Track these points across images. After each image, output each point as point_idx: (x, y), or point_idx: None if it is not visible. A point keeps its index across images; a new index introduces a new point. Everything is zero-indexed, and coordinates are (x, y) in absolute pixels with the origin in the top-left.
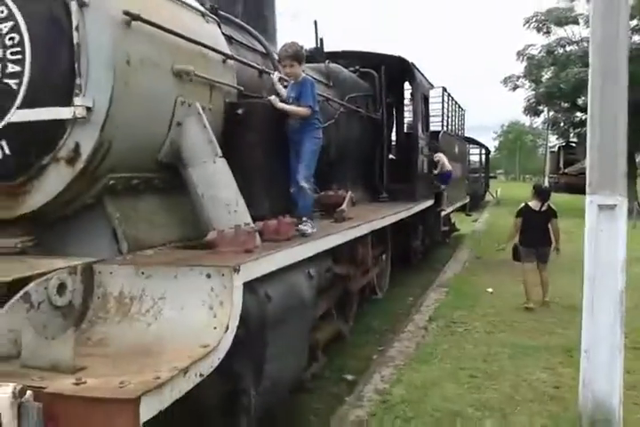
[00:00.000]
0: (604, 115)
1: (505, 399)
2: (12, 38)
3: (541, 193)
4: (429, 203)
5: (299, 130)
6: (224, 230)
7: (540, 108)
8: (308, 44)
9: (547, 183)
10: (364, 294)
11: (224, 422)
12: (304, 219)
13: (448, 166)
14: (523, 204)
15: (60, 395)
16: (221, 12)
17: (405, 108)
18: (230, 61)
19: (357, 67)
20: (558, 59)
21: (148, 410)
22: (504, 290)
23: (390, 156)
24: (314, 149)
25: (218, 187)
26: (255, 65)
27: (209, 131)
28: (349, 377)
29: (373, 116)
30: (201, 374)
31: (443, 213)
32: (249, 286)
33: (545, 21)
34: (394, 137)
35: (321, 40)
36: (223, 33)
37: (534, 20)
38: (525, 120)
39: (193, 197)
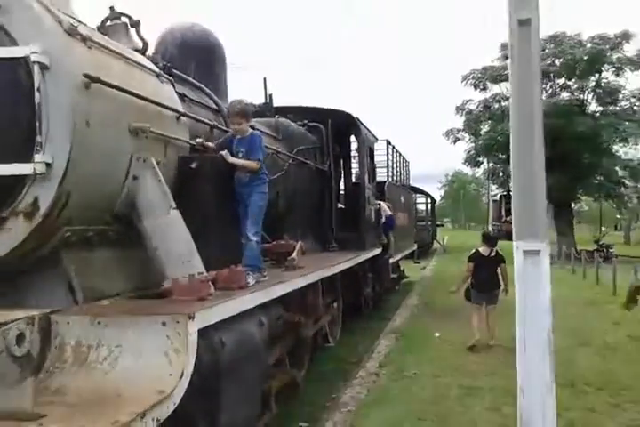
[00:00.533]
0: (523, 171)
1: None
2: None
3: (490, 240)
4: (377, 251)
5: (247, 184)
6: (178, 279)
7: (480, 159)
8: (258, 96)
9: (490, 230)
10: (316, 341)
11: None
12: (246, 270)
13: (388, 211)
14: (474, 250)
15: None
16: (175, 71)
17: (352, 160)
18: (184, 118)
19: (305, 121)
20: (494, 113)
21: None
22: (451, 334)
23: (339, 205)
24: (261, 205)
25: (172, 238)
26: (207, 121)
27: (163, 184)
28: (304, 425)
29: (321, 168)
30: (157, 419)
31: (391, 261)
32: (203, 333)
33: (481, 79)
34: (342, 187)
35: (270, 95)
36: (177, 91)
37: (471, 77)
38: (468, 170)
39: (147, 248)
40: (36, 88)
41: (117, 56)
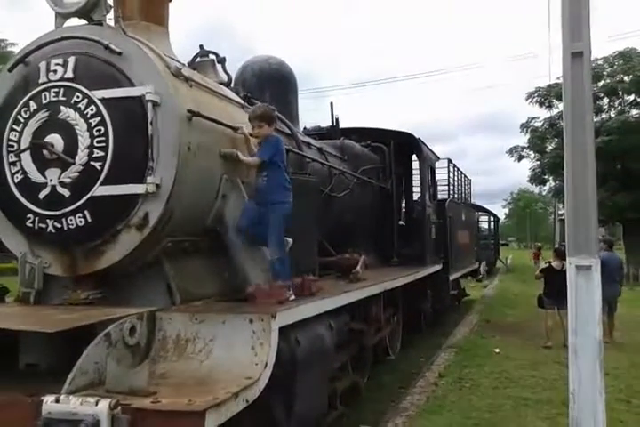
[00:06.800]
0: (577, 193)
1: None
2: (98, 130)
3: (561, 254)
4: (437, 267)
5: (266, 190)
6: (260, 285)
7: (546, 177)
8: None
9: (562, 247)
10: (377, 352)
11: None
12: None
13: None
14: (547, 264)
15: (143, 409)
16: (254, 100)
17: (414, 178)
18: None
19: (369, 142)
20: (561, 131)
21: (209, 422)
22: (511, 351)
23: (400, 222)
24: (281, 215)
25: (253, 249)
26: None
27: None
28: None
29: (384, 186)
30: (247, 400)
31: (450, 278)
32: (282, 332)
33: (547, 96)
34: (403, 205)
35: (336, 119)
36: None
37: (536, 94)
38: (534, 188)
39: (232, 258)
40: (149, 122)
41: (211, 92)
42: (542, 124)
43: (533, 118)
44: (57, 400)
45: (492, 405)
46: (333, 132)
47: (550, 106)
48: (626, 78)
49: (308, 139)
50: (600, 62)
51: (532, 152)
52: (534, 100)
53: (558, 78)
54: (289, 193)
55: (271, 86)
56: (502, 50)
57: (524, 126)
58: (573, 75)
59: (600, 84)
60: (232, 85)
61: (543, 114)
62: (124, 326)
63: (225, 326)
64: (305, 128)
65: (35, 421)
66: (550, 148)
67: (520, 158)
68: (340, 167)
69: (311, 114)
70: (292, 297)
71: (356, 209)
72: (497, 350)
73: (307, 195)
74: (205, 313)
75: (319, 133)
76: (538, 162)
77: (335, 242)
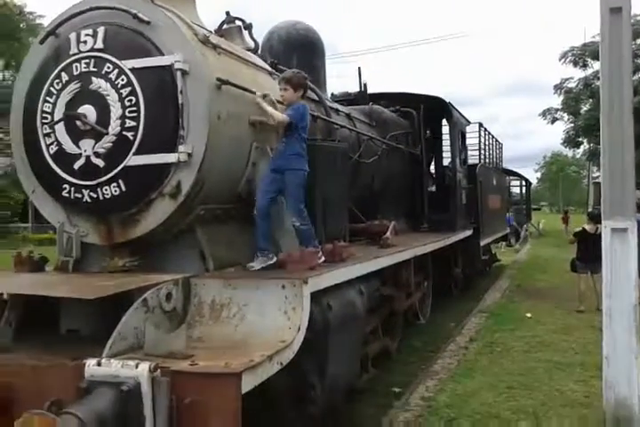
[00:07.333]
0: (613, 154)
1: (538, 405)
2: (130, 100)
3: (594, 217)
4: (468, 233)
5: (281, 156)
6: (292, 251)
7: (580, 139)
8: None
9: (595, 211)
10: (407, 316)
11: (294, 411)
12: (258, 254)
13: None
14: (580, 227)
15: (181, 372)
16: (280, 67)
17: (444, 143)
18: None
19: (398, 107)
20: (596, 92)
21: (246, 384)
22: (543, 315)
23: (431, 188)
24: (298, 183)
25: (284, 216)
26: (310, 112)
27: None
28: (397, 390)
29: (413, 152)
30: (281, 363)
31: (481, 243)
32: (314, 297)
33: (581, 55)
34: (433, 170)
35: (364, 84)
36: None
37: (570, 54)
38: (568, 151)
39: None
40: (179, 91)
41: (239, 59)
42: (576, 85)
43: (567, 79)
44: (99, 364)
45: (524, 368)
46: (361, 97)
47: (585, 65)
48: None
49: (335, 105)
50: (639, 18)
51: (565, 114)
52: (568, 59)
53: (593, 37)
54: (304, 161)
55: (298, 52)
56: (534, 9)
57: (558, 87)
58: (611, 31)
59: (639, 41)
60: (259, 52)
61: (577, 74)
62: (160, 292)
63: (258, 291)
64: (332, 94)
65: (78, 383)
66: (585, 109)
67: (554, 121)
68: (368, 133)
69: (339, 80)
70: (322, 259)
71: (386, 175)
72: (528, 315)
73: (336, 161)
74: (239, 279)
75: (347, 99)
76: (572, 124)
77: (365, 208)
